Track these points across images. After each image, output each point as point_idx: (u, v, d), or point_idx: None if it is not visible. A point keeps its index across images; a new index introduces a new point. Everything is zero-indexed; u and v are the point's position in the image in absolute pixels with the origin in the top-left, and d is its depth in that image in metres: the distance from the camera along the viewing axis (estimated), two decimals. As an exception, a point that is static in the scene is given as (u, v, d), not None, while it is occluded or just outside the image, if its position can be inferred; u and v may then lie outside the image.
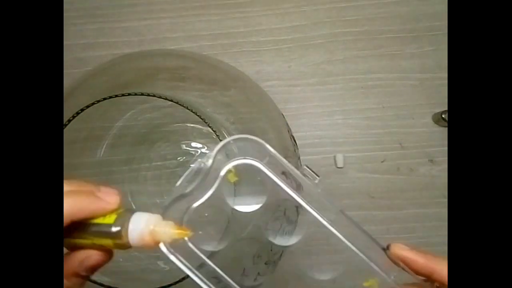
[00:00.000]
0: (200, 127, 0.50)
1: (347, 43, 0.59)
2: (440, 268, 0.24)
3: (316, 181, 0.28)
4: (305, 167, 0.28)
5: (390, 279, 0.27)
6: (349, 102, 0.57)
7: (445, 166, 0.56)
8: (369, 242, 0.27)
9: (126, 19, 0.60)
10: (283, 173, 0.29)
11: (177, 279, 0.34)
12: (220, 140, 0.32)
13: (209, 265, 0.27)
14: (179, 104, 0.37)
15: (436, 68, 0.58)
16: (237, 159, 0.29)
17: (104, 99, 0.36)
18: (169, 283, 0.34)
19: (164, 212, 0.25)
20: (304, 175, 0.28)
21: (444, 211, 0.54)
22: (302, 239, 0.31)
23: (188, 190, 0.27)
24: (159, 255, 0.26)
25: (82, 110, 0.36)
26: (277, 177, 0.28)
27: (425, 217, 0.54)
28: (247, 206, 0.32)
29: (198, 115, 0.37)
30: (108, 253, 0.24)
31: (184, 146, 0.51)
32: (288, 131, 0.43)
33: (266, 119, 0.43)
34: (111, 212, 0.23)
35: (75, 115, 0.36)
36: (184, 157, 0.51)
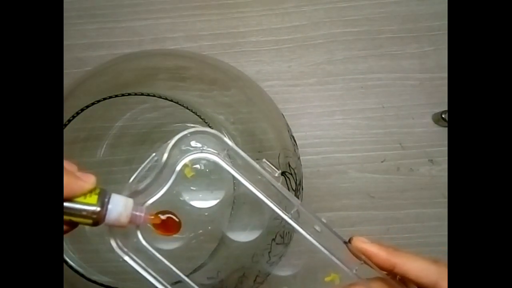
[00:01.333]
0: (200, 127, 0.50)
1: (347, 43, 0.59)
2: (402, 262, 0.23)
3: (276, 174, 0.27)
4: (264, 160, 0.27)
5: (352, 273, 0.26)
6: (349, 102, 0.57)
7: (445, 166, 0.56)
8: (330, 235, 0.27)
9: (126, 19, 0.60)
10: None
11: (177, 280, 0.34)
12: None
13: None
14: (179, 104, 0.37)
15: (436, 68, 0.58)
16: (193, 153, 0.28)
17: (104, 99, 0.36)
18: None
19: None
20: (264, 168, 0.27)
21: (444, 211, 0.54)
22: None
23: (142, 186, 0.26)
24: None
25: (82, 110, 0.36)
26: (234, 170, 0.27)
27: (425, 217, 0.54)
28: (205, 202, 0.31)
29: (198, 115, 0.37)
30: (73, 226, 0.24)
31: (183, 147, 0.51)
32: (288, 131, 0.43)
33: (266, 119, 0.43)
34: (89, 191, 0.24)
35: (75, 115, 0.36)
36: (184, 157, 0.51)
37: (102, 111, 0.44)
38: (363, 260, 0.25)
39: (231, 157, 0.27)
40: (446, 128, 0.56)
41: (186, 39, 0.60)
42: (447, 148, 0.56)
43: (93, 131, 0.49)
